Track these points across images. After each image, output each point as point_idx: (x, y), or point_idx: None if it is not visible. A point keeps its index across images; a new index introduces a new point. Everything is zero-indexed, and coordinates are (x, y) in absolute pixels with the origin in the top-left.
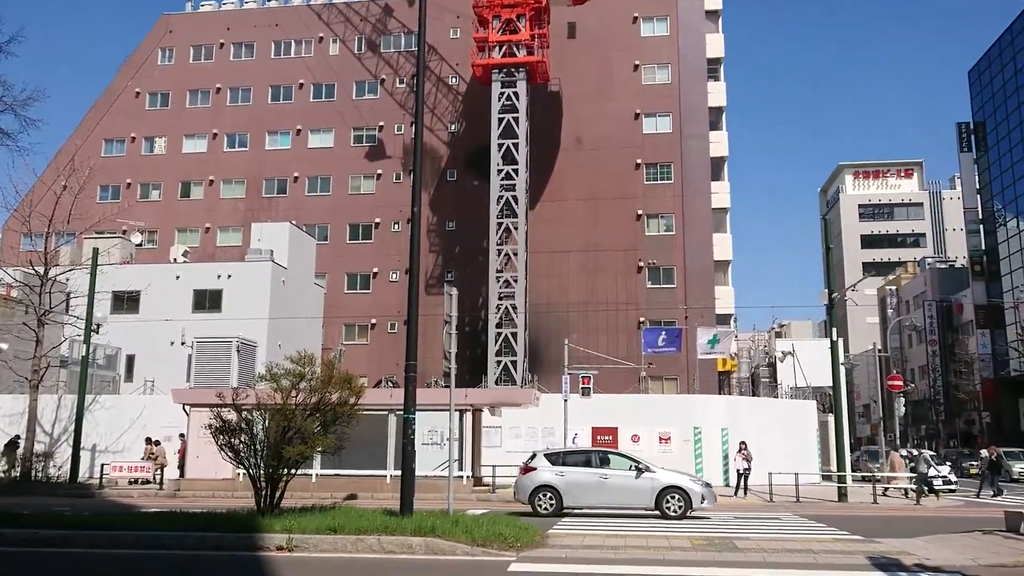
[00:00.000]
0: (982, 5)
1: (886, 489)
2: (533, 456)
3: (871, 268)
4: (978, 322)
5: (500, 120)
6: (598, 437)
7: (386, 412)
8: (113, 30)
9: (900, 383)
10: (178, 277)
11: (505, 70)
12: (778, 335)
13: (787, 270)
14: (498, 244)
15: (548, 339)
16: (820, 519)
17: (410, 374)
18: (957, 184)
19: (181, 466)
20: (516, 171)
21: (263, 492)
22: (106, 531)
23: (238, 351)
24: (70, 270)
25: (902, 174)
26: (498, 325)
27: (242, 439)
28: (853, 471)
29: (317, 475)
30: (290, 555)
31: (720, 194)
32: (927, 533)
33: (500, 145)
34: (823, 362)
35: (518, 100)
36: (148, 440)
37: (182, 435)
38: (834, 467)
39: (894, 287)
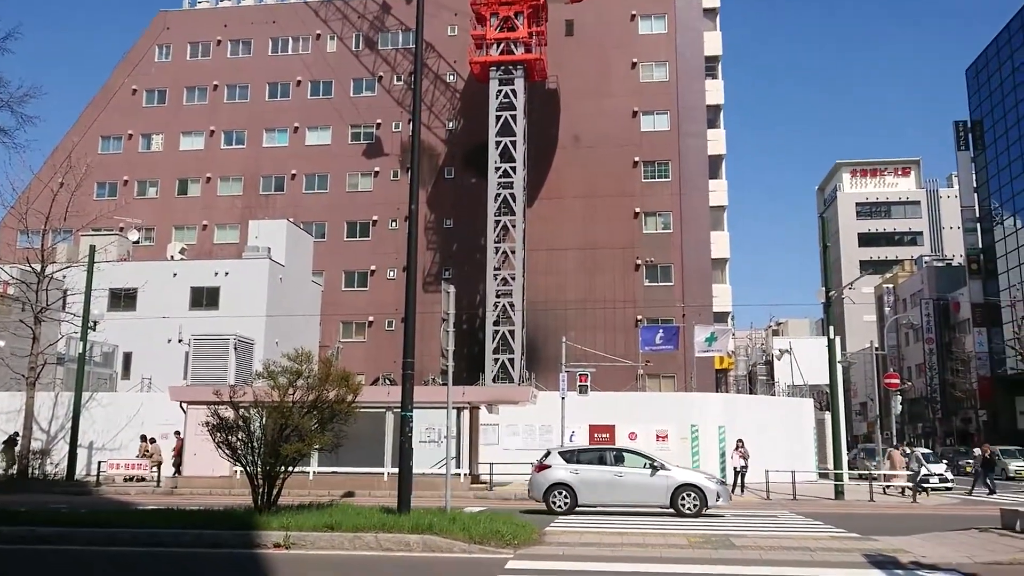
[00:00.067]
0: (980, 4)
1: (887, 487)
2: (547, 454)
3: (868, 266)
4: (975, 320)
5: (498, 118)
6: (595, 435)
7: (384, 410)
8: (110, 27)
9: (897, 381)
10: (175, 274)
11: (503, 67)
12: (775, 333)
13: (784, 268)
14: (496, 242)
15: (546, 337)
16: (817, 517)
17: (407, 372)
18: (954, 182)
19: (177, 464)
20: (514, 169)
21: (260, 489)
22: (103, 528)
23: (235, 349)
24: (67, 267)
25: (899, 172)
26: (496, 323)
27: (239, 436)
28: (850, 469)
29: (314, 473)
30: (287, 552)
31: (718, 192)
32: (924, 531)
33: (498, 143)
34: (820, 360)
35: (516, 98)
36: (143, 438)
37: (177, 432)
38: (831, 465)
39: (891, 285)
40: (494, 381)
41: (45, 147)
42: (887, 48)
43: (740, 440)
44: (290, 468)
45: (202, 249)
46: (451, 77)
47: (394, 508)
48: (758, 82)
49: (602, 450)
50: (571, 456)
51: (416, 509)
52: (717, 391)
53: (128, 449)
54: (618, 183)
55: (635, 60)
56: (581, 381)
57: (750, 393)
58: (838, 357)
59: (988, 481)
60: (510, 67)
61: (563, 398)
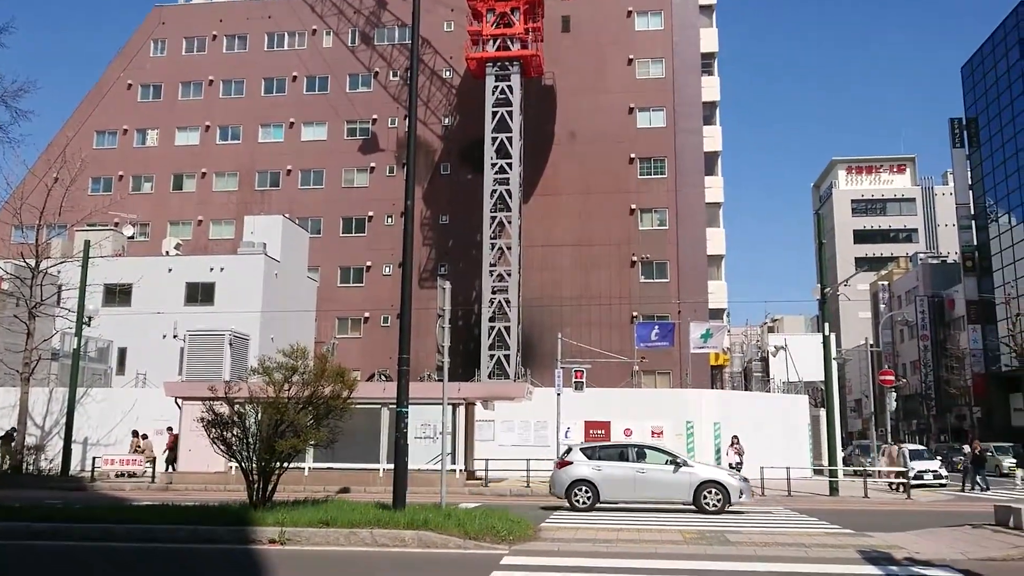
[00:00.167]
0: (976, 2)
1: (892, 484)
2: (569, 450)
3: (864, 263)
4: (969, 317)
5: (494, 114)
6: (591, 431)
7: (379, 406)
8: (105, 22)
9: (892, 378)
10: (170, 270)
11: (499, 64)
12: (771, 330)
13: (780, 265)
14: (491, 238)
15: (541, 333)
16: (811, 513)
17: (403, 368)
18: (949, 180)
19: (172, 460)
20: (510, 165)
21: (255, 485)
22: (98, 524)
23: (231, 344)
24: (61, 262)
25: (895, 169)
26: (491, 319)
27: (234, 432)
28: (845, 466)
29: (310, 468)
30: (282, 548)
31: (714, 189)
32: (918, 527)
33: (494, 139)
34: (815, 357)
35: (512, 94)
36: (135, 433)
37: (170, 428)
38: (826, 461)
39: (886, 282)
40: (490, 377)
41: (40, 142)
42: (883, 45)
43: (735, 436)
44: (285, 464)
45: (197, 244)
46: (447, 73)
47: (389, 504)
48: (754, 79)
49: (624, 446)
50: (593, 452)
51: (411, 505)
52: (712, 387)
53: (123, 445)
54: (614, 179)
55: (631, 56)
56: (577, 377)
57: (745, 389)
58: (833, 354)
59: (979, 478)
60: (506, 63)
61: (559, 394)
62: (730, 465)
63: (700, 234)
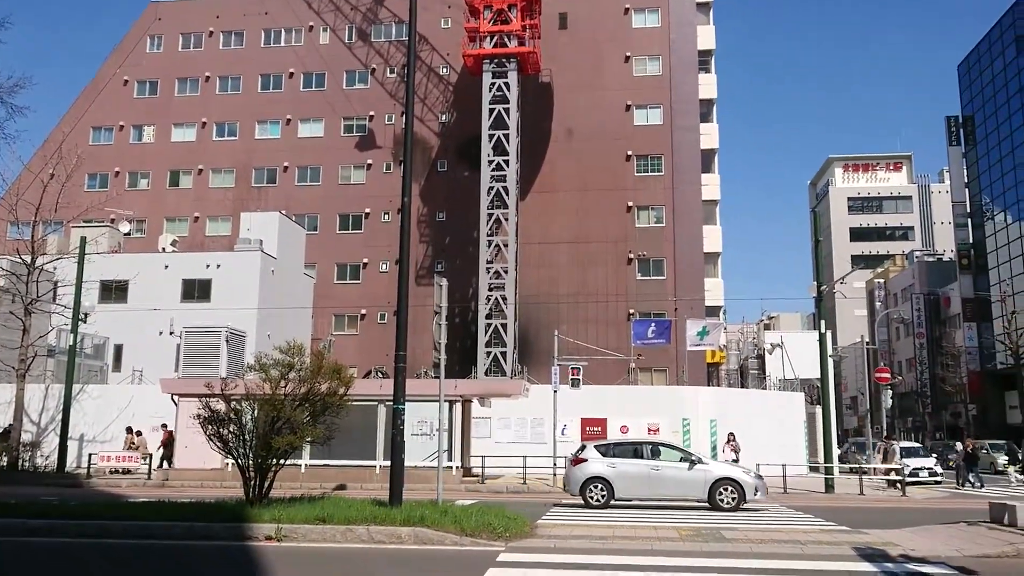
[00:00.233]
0: (975, 1)
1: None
2: (583, 447)
3: (860, 261)
4: (965, 315)
5: (491, 111)
6: (587, 428)
7: (376, 402)
8: (101, 18)
9: (887, 375)
10: (167, 266)
11: (496, 60)
12: (767, 327)
13: (776, 263)
14: (488, 235)
15: (538, 330)
16: (807, 510)
17: (400, 364)
18: (946, 178)
19: (166, 457)
20: (507, 162)
21: (252, 482)
22: (94, 521)
23: (227, 341)
24: (57, 259)
25: (891, 167)
26: (488, 316)
27: (231, 429)
28: (841, 463)
29: (306, 465)
30: (279, 545)
31: (710, 186)
32: (913, 524)
33: (491, 136)
34: (811, 354)
35: (509, 91)
36: (129, 429)
37: (164, 425)
38: (821, 459)
39: (882, 280)
40: (486, 374)
41: (35, 138)
42: (880, 43)
43: (731, 433)
44: (282, 461)
45: (194, 241)
46: (444, 70)
47: (386, 501)
48: (751, 77)
49: (638, 444)
50: (607, 450)
51: (408, 502)
52: (709, 385)
53: (119, 442)
54: (611, 177)
55: (628, 54)
56: (573, 374)
57: (742, 387)
58: (829, 351)
59: (971, 476)
60: (503, 60)
61: (555, 391)
62: (726, 462)
63: (697, 232)
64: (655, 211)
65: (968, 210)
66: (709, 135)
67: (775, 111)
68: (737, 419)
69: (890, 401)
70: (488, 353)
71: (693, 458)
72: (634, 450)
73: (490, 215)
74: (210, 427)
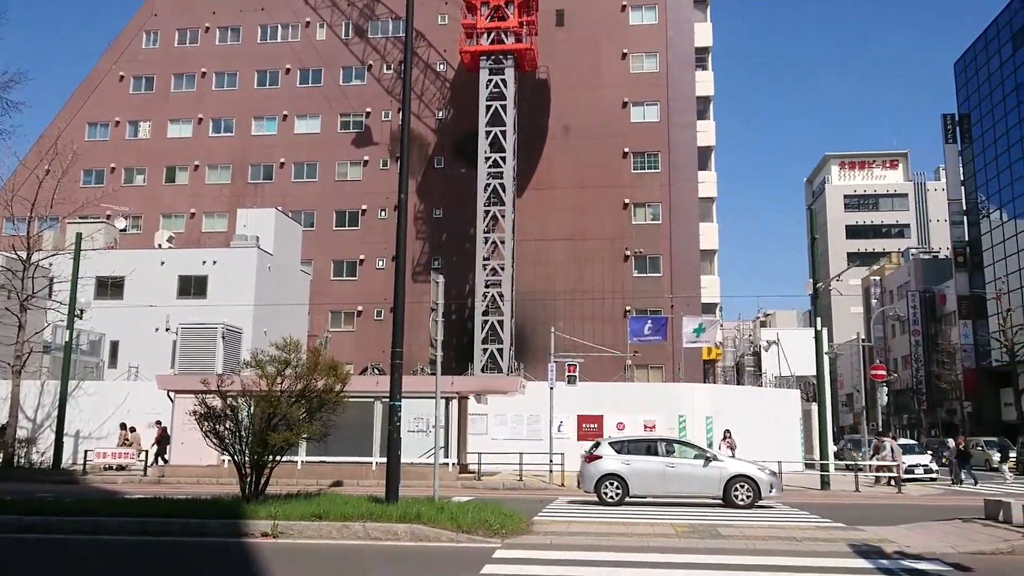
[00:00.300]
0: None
1: (891, 479)
2: (597, 444)
3: (856, 258)
4: (961, 313)
5: (488, 107)
6: (583, 425)
7: (372, 399)
8: (97, 13)
9: (883, 373)
10: (163, 263)
11: (493, 57)
12: (763, 324)
13: (773, 260)
14: (485, 232)
15: (534, 327)
16: (803, 507)
17: (396, 361)
18: (942, 175)
19: (159, 453)
20: (503, 159)
21: (248, 479)
22: (90, 517)
23: (223, 337)
24: (53, 255)
25: (887, 165)
26: (484, 313)
27: (227, 426)
28: (837, 460)
29: (302, 462)
30: (275, 541)
31: (707, 184)
32: (908, 521)
33: (487, 132)
34: (807, 351)
35: (506, 87)
36: (122, 426)
37: (159, 422)
38: (817, 455)
39: (878, 277)
40: (483, 371)
41: (31, 134)
42: (877, 42)
43: (727, 431)
44: (278, 457)
45: (190, 237)
46: (441, 66)
47: (382, 498)
48: (748, 75)
49: (653, 440)
50: (621, 447)
51: (404, 499)
52: (705, 382)
53: (114, 438)
54: (608, 174)
55: (625, 51)
56: (570, 371)
57: (737, 384)
58: (825, 348)
59: (963, 473)
60: (500, 57)
61: (552, 388)
62: None
63: (693, 229)
64: (651, 208)
65: (964, 207)
66: (706, 132)
67: (772, 108)
68: (733, 416)
69: (886, 398)
70: (485, 350)
71: (708, 455)
72: (649, 447)
73: (487, 212)
74: (206, 423)
